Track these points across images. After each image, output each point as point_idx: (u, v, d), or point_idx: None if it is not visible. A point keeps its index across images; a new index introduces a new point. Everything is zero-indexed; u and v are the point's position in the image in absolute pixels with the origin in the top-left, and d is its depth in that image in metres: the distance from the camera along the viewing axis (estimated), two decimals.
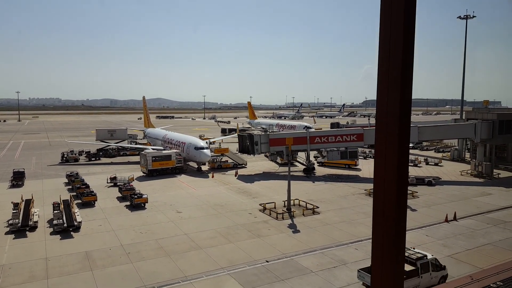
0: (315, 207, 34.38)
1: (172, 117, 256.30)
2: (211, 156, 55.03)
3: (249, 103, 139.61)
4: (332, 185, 45.72)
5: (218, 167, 56.59)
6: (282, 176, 50.76)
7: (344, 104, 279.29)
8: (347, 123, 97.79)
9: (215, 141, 75.95)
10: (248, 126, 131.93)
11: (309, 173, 52.47)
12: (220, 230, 29.11)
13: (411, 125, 61.66)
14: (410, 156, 64.16)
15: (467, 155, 64.97)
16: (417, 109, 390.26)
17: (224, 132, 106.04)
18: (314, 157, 61.29)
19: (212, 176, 50.20)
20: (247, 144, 52.94)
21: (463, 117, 68.32)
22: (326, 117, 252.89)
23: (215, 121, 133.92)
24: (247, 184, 46.02)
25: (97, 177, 49.91)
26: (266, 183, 46.41)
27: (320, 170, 55.21)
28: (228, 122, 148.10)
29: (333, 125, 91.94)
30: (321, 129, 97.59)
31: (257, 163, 62.24)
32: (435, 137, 57.21)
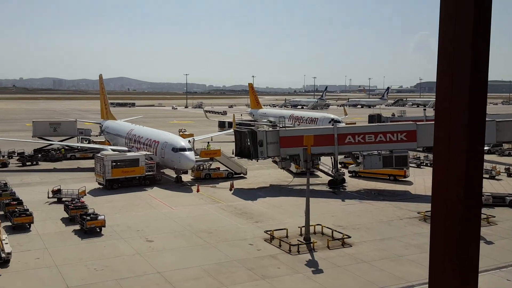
0: (345, 236, 34.31)
1: (132, 104, 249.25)
2: (196, 161, 55.18)
3: (250, 85, 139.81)
4: (370, 204, 45.56)
5: (206, 177, 56.83)
6: (298, 191, 50.73)
7: (388, 87, 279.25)
8: (393, 115, 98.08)
9: (201, 139, 76.18)
10: (250, 118, 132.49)
11: (337, 187, 52.48)
12: (208, 268, 29.15)
13: (487, 119, 61.37)
14: (484, 164, 63.65)
15: None
16: (496, 96, 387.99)
17: (222, 126, 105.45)
18: (342, 163, 61.32)
19: (197, 190, 50.39)
20: (248, 144, 53.10)
21: None
22: (362, 106, 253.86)
23: (205, 111, 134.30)
24: (247, 202, 46.07)
25: (34, 189, 50.23)
26: (274, 201, 46.40)
27: (352, 183, 55.13)
28: (224, 113, 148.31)
29: (372, 118, 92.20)
30: (355, 123, 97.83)
31: (262, 171, 62.35)
32: None
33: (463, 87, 3.69)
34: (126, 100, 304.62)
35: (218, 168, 58.94)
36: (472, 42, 3.65)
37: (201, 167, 57.42)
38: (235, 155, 57.63)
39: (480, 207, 3.88)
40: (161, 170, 58.81)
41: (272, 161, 65.63)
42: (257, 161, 57.22)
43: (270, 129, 57.49)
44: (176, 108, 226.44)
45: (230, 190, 51.14)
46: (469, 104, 3.68)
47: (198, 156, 56.66)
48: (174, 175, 56.04)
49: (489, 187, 51.75)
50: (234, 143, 56.99)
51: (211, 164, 58.35)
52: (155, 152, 56.37)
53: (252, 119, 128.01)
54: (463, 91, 3.69)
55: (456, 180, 3.75)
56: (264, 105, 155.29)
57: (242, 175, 58.54)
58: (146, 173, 52.16)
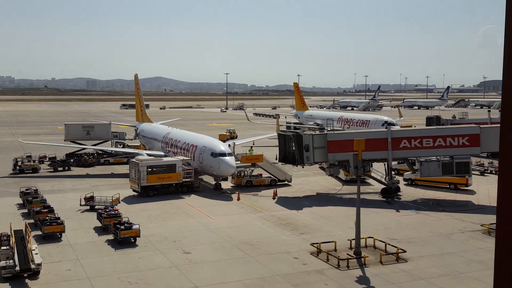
0: (399, 250, 33.71)
1: (146, 106, 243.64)
2: (237, 167, 55.70)
3: (296, 85, 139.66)
4: (427, 216, 44.59)
5: (247, 184, 57.21)
6: (348, 201, 50.29)
7: (448, 87, 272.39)
8: (453, 117, 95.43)
9: (242, 143, 76.62)
10: (295, 120, 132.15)
11: (390, 196, 51.71)
12: (249, 283, 29.30)
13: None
14: None
15: None
16: None
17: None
18: (396, 170, 60.11)
19: (238, 199, 50.76)
20: (292, 149, 53.12)
21: None
22: (418, 108, 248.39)
23: (259, 115, 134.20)
24: (291, 211, 46.05)
25: (66, 196, 52.02)
26: (321, 211, 46.19)
27: (408, 192, 54.13)
28: (276, 116, 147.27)
29: (430, 121, 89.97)
30: (411, 126, 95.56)
31: (308, 179, 62.19)
32: None
33: None
34: (163, 101, 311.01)
35: (261, 174, 59.17)
36: None
37: (242, 174, 57.80)
38: (279, 161, 57.72)
39: None
40: (199, 177, 59.56)
41: (319, 167, 65.25)
42: (303, 167, 57.05)
43: (317, 132, 57.22)
44: (226, 111, 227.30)
45: (273, 198, 51.23)
46: None
47: (239, 162, 56.89)
48: (213, 182, 56.66)
49: None
50: (277, 147, 57.12)
51: (252, 170, 58.64)
52: (193, 157, 57.15)
53: (297, 121, 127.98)
54: None
55: None
56: (310, 107, 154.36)
57: (286, 182, 58.53)
58: (184, 180, 52.80)
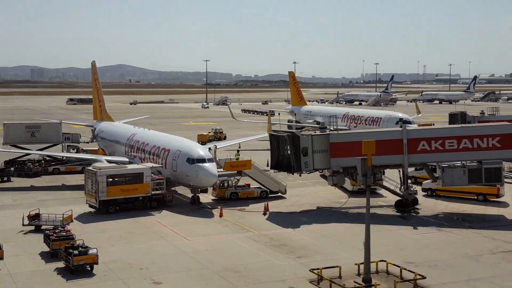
0: (418, 276, 33.83)
1: (87, 101, 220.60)
2: (219, 175, 55.65)
3: (291, 75, 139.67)
4: (451, 234, 44.79)
5: (232, 196, 57.17)
6: (355, 216, 50.37)
7: (475, 77, 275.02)
8: (482, 113, 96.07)
9: (225, 147, 76.43)
10: (290, 118, 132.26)
11: (407, 210, 51.93)
12: None
13: None
14: None
15: None
16: None
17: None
18: (412, 178, 60.45)
19: (220, 215, 50.63)
20: (287, 153, 53.13)
21: None
22: (440, 102, 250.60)
23: (248, 111, 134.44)
24: (286, 230, 46.00)
25: (5, 214, 51.40)
26: (323, 229, 46.21)
27: (427, 205, 54.39)
28: (271, 113, 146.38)
29: (454, 118, 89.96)
30: (432, 125, 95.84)
31: (307, 189, 62.26)
32: None
33: None
34: (128, 95, 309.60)
35: (248, 185, 59.18)
36: None
37: (226, 184, 57.70)
38: (271, 168, 57.69)
39: None
40: (173, 188, 59.38)
41: (320, 175, 65.30)
42: (300, 175, 57.10)
43: (318, 132, 57.33)
44: (208, 107, 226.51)
45: (264, 214, 51.19)
46: None
47: (222, 169, 56.86)
48: (190, 195, 56.45)
49: None
50: (270, 151, 57.04)
51: (238, 180, 58.56)
52: (164, 164, 56.97)
53: (293, 119, 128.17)
54: None
55: None
56: (309, 101, 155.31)
57: (280, 194, 58.55)
58: (153, 192, 52.58)
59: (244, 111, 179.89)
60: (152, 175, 53.23)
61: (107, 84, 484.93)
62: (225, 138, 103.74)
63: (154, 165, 56.37)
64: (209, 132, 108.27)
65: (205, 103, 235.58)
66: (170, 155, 56.74)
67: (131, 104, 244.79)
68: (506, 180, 59.63)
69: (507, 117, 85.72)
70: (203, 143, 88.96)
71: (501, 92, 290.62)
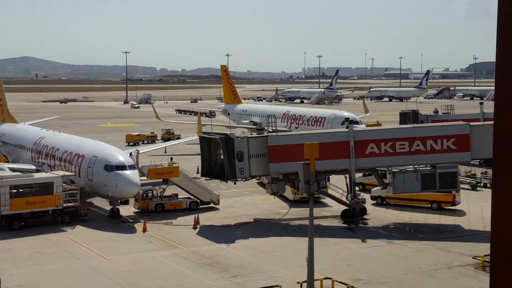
0: None
1: None
2: (142, 184, 55.22)
3: (224, 69, 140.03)
4: (403, 246, 45.88)
5: (157, 208, 56.85)
6: (297, 229, 50.89)
7: (428, 71, 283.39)
8: (436, 111, 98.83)
9: (149, 151, 75.83)
10: (223, 117, 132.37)
11: (354, 221, 52.79)
12: None
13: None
14: None
15: None
16: None
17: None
18: (359, 185, 61.66)
19: (144, 230, 50.25)
20: (220, 158, 53.20)
21: None
22: (390, 99, 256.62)
23: (182, 111, 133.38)
24: (219, 246, 46.03)
25: None
26: (261, 244, 46.45)
27: (377, 214, 55.58)
28: (212, 115, 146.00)
29: (405, 117, 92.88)
30: (381, 125, 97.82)
31: (243, 199, 62.51)
32: None
33: None
34: (34, 92, 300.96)
35: (176, 195, 58.94)
36: None
37: (150, 194, 57.35)
38: (202, 175, 57.53)
39: None
40: (88, 200, 58.42)
41: (257, 182, 65.60)
42: (235, 183, 57.16)
43: (254, 134, 57.55)
44: (139, 107, 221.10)
45: (194, 228, 51.11)
46: None
47: (145, 178, 56.61)
48: (108, 207, 55.81)
49: None
50: (200, 156, 56.92)
51: (164, 190, 58.29)
52: (78, 172, 56.15)
53: (227, 119, 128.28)
54: None
55: None
56: (244, 99, 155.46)
57: (212, 205, 58.56)
58: (65, 205, 51.86)
59: (179, 111, 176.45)
60: (64, 185, 52.29)
61: (9, 80, 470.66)
62: (179, 138, 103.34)
63: (66, 173, 55.37)
64: (165, 131, 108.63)
65: (134, 102, 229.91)
66: (85, 161, 55.87)
67: (61, 103, 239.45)
68: (462, 186, 61.32)
69: (463, 116, 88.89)
70: (135, 144, 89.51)
71: (456, 88, 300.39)
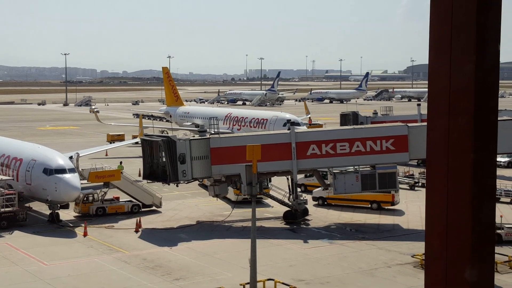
0: None
1: None
2: (82, 188, 54.38)
3: (166, 71, 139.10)
4: (344, 246, 46.52)
5: (98, 212, 56.10)
6: (239, 231, 51.00)
7: (367, 73, 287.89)
8: (375, 112, 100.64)
9: (90, 154, 74.75)
10: (165, 120, 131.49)
11: (296, 222, 53.20)
12: None
13: (507, 118, 64.13)
14: (499, 182, 66.75)
15: None
16: None
17: None
18: (301, 186, 62.27)
19: (85, 234, 49.58)
20: (162, 160, 52.87)
21: None
22: (330, 101, 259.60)
23: (95, 111, 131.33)
24: (162, 249, 45.79)
25: None
26: (204, 246, 46.42)
27: (318, 215, 56.14)
28: (159, 119, 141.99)
29: (345, 118, 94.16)
30: (322, 126, 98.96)
31: (186, 202, 62.24)
32: None
33: (465, 72, 3.87)
34: None
35: (117, 198, 58.29)
36: (477, 10, 3.84)
37: (91, 198, 56.60)
38: (144, 178, 57.09)
39: (493, 246, 4.05)
40: (27, 204, 57.19)
41: (199, 184, 65.40)
42: (177, 185, 56.84)
43: (197, 136, 57.40)
44: (97, 110, 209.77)
45: (136, 231, 50.70)
46: (475, 98, 3.86)
47: (86, 181, 55.96)
48: (48, 212, 54.81)
49: (511, 216, 53.98)
50: (141, 159, 56.44)
51: (105, 193, 57.50)
52: (16, 177, 55.14)
53: (169, 121, 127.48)
54: (465, 78, 3.87)
55: (457, 207, 3.90)
56: (186, 101, 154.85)
57: (154, 208, 58.13)
58: (2, 210, 50.85)
59: (137, 115, 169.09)
60: (1, 189, 51.45)
61: None
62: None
63: (3, 177, 54.51)
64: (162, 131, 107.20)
65: (93, 106, 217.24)
66: (23, 165, 54.82)
67: (38, 104, 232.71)
68: (401, 186, 62.54)
69: (401, 117, 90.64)
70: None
71: (394, 90, 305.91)
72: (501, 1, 3.89)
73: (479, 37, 3.80)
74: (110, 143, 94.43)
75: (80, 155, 64.41)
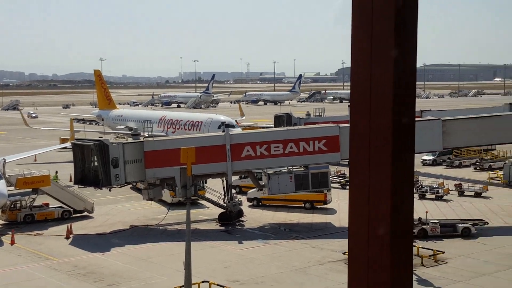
0: None
1: None
2: (9, 195, 53.12)
3: (97, 74, 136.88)
4: (278, 246, 46.95)
5: (27, 219, 54.97)
6: (174, 234, 50.77)
7: (300, 75, 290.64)
8: (308, 114, 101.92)
9: (18, 160, 72.84)
10: (97, 123, 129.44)
11: (231, 223, 53.45)
12: None
13: (430, 118, 66.47)
14: (429, 180, 69.06)
15: None
16: (441, 86, 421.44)
17: None
18: (236, 187, 62.52)
19: (12, 242, 48.42)
20: (94, 165, 52.15)
21: None
22: (265, 103, 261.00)
23: (23, 114, 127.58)
24: (94, 255, 45.17)
25: None
26: (138, 251, 46.04)
27: (253, 216, 56.56)
28: (90, 122, 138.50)
29: (279, 120, 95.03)
30: (258, 128, 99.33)
31: (118, 206, 61.54)
32: (474, 141, 62.15)
33: (383, 75, 4.00)
34: None
35: (47, 204, 57.25)
36: (395, 17, 3.97)
37: (18, 205, 55.40)
38: (75, 183, 56.13)
39: (411, 239, 4.20)
40: None
41: (131, 188, 64.75)
42: (110, 190, 56.11)
43: (130, 140, 56.83)
44: (37, 116, 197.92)
45: (67, 238, 49.87)
46: (393, 99, 4.00)
47: (13, 187, 54.85)
48: None
49: (435, 211, 56.02)
50: (72, 164, 55.54)
51: (34, 199, 56.38)
52: None
53: (102, 125, 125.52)
54: (385, 82, 4.00)
55: (379, 202, 4.02)
56: (120, 104, 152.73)
57: (86, 213, 57.28)
58: None
59: (78, 120, 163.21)
60: None
61: None
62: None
63: None
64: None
65: (31, 111, 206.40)
66: None
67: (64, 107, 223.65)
68: (333, 185, 63.69)
69: (333, 118, 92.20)
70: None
71: (326, 91, 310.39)
72: (417, 7, 4.03)
73: (397, 42, 3.92)
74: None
75: (6, 161, 62.69)
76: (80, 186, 55.52)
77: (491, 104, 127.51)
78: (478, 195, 64.36)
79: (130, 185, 61.71)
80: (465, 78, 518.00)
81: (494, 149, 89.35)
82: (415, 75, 4.16)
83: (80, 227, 52.73)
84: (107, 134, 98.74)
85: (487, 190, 65.16)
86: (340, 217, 55.86)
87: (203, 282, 36.49)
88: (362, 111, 4.12)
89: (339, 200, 61.52)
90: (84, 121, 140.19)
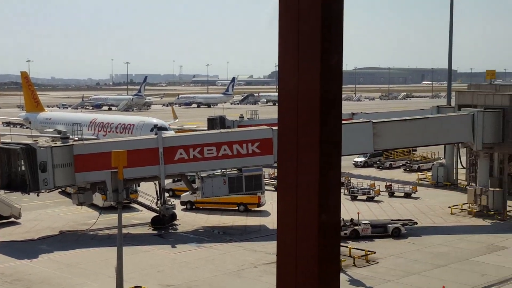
0: None
1: None
2: None
3: (24, 75, 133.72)
4: (212, 249, 46.96)
5: None
6: (106, 239, 50.14)
7: (234, 78, 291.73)
8: (241, 117, 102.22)
9: None
10: (25, 126, 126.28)
11: (164, 227, 53.10)
12: None
13: (361, 120, 67.93)
14: (361, 181, 70.45)
15: (463, 175, 74.43)
16: (372, 88, 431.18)
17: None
18: (169, 191, 62.27)
19: None
20: (21, 169, 50.97)
21: (453, 103, 78.43)
22: (198, 105, 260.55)
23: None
24: (21, 262, 44.23)
25: None
26: (67, 257, 45.24)
27: (187, 219, 56.38)
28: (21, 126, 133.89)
29: (213, 122, 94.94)
30: (192, 130, 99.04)
31: (47, 211, 60.34)
32: (404, 143, 63.77)
33: (310, 75, 4.03)
34: None
35: None
36: (321, 21, 4.01)
37: None
38: (0, 188, 54.56)
39: (338, 239, 4.25)
40: None
41: (60, 192, 63.49)
42: (38, 195, 54.86)
43: (59, 143, 55.73)
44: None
45: None
46: (320, 100, 4.03)
47: None
48: None
49: (367, 212, 57.29)
50: None
51: None
52: None
53: (29, 128, 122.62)
54: (311, 84, 4.03)
55: (306, 201, 4.05)
56: (48, 106, 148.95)
57: (13, 219, 55.75)
58: None
59: (8, 124, 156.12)
60: None
61: None
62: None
63: None
64: None
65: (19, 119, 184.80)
66: None
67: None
68: (267, 187, 63.97)
69: (266, 120, 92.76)
70: None
71: (259, 94, 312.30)
72: (342, 13, 4.08)
73: (323, 46, 3.96)
74: None
75: None
76: (6, 191, 54.14)
77: (419, 107, 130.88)
78: (407, 195, 66.08)
79: (59, 190, 60.47)
80: (395, 81, 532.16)
81: (415, 151, 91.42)
82: (341, 73, 4.21)
83: (6, 233, 51.48)
84: (34, 137, 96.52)
85: (416, 191, 66.94)
86: (274, 219, 56.01)
87: (135, 287, 36.13)
88: (290, 110, 4.14)
89: (273, 202, 61.75)
90: (10, 124, 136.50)
